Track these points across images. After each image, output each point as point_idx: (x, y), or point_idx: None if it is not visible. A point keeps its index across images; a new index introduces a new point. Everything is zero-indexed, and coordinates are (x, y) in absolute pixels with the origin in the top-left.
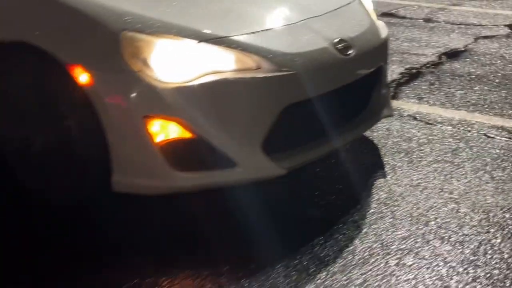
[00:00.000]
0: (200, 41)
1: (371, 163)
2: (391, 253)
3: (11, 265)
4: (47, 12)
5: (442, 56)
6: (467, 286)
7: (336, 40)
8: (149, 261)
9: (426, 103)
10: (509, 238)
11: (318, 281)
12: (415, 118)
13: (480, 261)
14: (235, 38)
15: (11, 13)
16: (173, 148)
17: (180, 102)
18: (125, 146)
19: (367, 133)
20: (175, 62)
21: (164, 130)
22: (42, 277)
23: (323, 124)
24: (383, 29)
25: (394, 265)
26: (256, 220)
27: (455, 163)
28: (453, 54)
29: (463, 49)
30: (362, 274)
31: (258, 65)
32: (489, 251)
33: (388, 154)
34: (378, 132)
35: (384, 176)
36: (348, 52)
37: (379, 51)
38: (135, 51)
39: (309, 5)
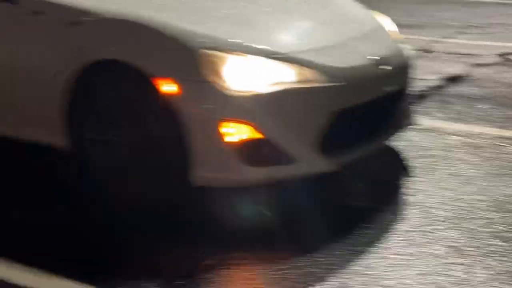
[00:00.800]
0: (267, 58)
1: (399, 166)
2: (428, 238)
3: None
4: (138, 34)
5: (445, 80)
6: (492, 248)
7: (374, 58)
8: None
9: (438, 118)
10: None
11: (360, 263)
12: (430, 131)
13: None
14: (295, 55)
15: (107, 37)
16: (243, 147)
17: (249, 108)
18: (203, 145)
19: (392, 143)
20: (244, 75)
21: (236, 131)
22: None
23: (364, 127)
24: (407, 50)
25: (432, 248)
26: (307, 209)
27: (472, 165)
28: (454, 79)
29: (462, 74)
30: (402, 258)
31: (313, 77)
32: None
33: (412, 159)
34: (400, 142)
35: (412, 175)
36: (384, 68)
37: (405, 68)
38: (211, 66)
39: (346, 27)
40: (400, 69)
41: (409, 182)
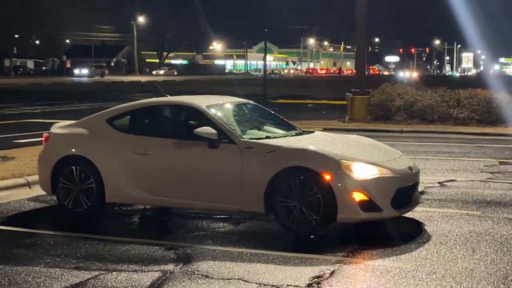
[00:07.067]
0: (367, 164)
1: (416, 227)
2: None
3: None
4: (310, 155)
5: None
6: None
7: (408, 166)
8: None
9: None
10: None
11: None
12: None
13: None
14: (379, 162)
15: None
16: (361, 203)
17: (363, 185)
18: (344, 202)
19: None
20: (360, 171)
21: (357, 195)
22: None
23: (407, 199)
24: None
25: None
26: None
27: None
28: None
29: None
30: None
31: (387, 172)
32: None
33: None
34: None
35: (424, 227)
36: (413, 170)
37: (418, 172)
38: (345, 167)
39: (392, 153)
40: (417, 172)
41: (424, 229)
